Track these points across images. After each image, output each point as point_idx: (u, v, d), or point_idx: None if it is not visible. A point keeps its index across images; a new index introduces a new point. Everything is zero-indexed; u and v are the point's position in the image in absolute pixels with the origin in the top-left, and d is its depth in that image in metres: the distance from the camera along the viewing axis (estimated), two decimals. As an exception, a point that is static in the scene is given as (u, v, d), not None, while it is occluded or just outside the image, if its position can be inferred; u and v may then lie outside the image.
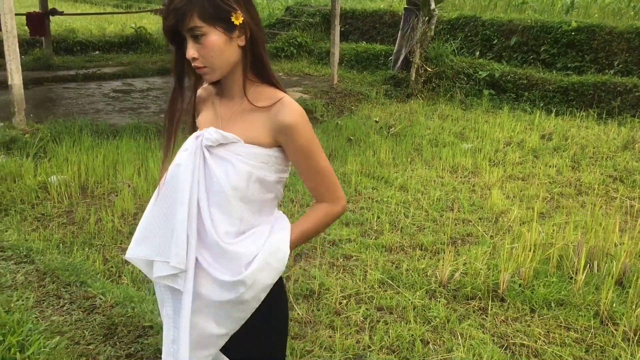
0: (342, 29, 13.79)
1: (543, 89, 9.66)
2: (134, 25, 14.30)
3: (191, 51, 1.55)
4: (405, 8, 10.89)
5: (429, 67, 10.37)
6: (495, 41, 11.35)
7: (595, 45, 10.11)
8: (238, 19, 1.53)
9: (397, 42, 11.03)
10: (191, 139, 1.66)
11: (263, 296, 1.63)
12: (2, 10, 6.11)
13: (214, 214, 1.61)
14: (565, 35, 10.37)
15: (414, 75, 10.25)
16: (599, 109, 8.99)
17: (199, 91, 1.78)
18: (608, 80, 9.23)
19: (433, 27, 10.22)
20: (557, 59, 10.49)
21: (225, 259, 1.59)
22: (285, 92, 1.65)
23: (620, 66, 9.73)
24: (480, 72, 10.23)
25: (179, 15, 1.52)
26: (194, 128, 1.75)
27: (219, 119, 1.68)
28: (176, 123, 1.70)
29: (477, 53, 11.42)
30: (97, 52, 12.97)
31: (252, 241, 1.62)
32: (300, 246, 1.66)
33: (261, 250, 1.60)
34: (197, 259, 1.62)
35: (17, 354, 2.60)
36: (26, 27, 11.00)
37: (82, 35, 13.47)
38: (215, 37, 1.53)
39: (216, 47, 1.54)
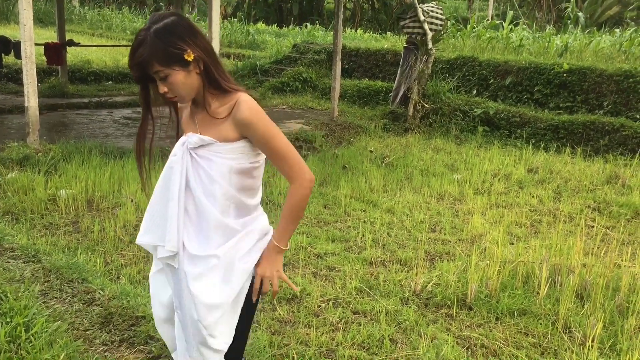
0: (346, 67, 14.33)
1: (535, 127, 10.05)
2: (146, 58, 14.89)
3: (161, 88, 1.93)
4: (404, 47, 11.40)
5: (426, 103, 10.81)
6: (492, 81, 11.80)
7: (586, 87, 10.52)
8: (190, 56, 1.89)
9: (397, 79, 11.51)
10: (178, 145, 2.07)
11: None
12: (23, 38, 6.60)
13: (208, 199, 2.02)
14: (558, 76, 10.80)
15: (411, 110, 10.69)
16: (587, 146, 9.35)
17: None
18: (597, 120, 9.61)
19: (430, 65, 10.71)
20: (550, 99, 10.91)
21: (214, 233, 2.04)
22: (242, 90, 2.01)
23: (609, 107, 10.12)
24: (475, 110, 10.66)
25: (142, 66, 1.88)
26: (179, 134, 2.15)
27: (196, 125, 2.07)
28: (150, 145, 2.10)
29: (474, 92, 11.87)
30: (110, 82, 13.54)
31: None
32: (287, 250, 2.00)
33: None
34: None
35: (23, 332, 2.93)
36: (44, 57, 11.59)
37: (97, 65, 14.07)
38: (175, 75, 1.90)
39: (179, 82, 1.91)
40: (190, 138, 2.01)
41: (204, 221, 2.02)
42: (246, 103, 1.95)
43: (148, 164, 2.14)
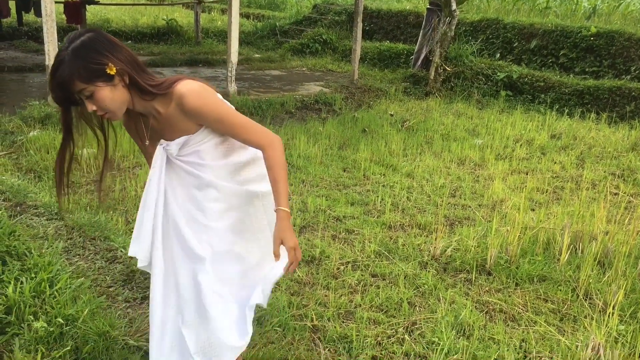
0: (367, 28, 14.09)
1: (559, 92, 9.84)
2: (165, 17, 14.80)
3: (89, 106, 1.86)
4: (427, 8, 11.15)
5: (448, 66, 10.62)
6: (516, 44, 11.54)
7: (614, 51, 10.25)
8: (112, 69, 1.82)
9: (419, 41, 11.30)
10: (156, 155, 2.06)
11: None
12: (43, -5, 6.56)
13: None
14: (585, 40, 10.53)
15: (433, 74, 10.51)
16: (613, 112, 9.15)
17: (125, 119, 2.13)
18: (623, 85, 9.37)
19: (454, 27, 10.48)
20: (576, 63, 10.66)
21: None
22: (180, 79, 1.95)
23: (637, 72, 9.86)
24: (498, 74, 10.45)
25: (64, 87, 1.81)
26: (143, 144, 2.16)
27: (157, 132, 2.06)
28: (67, 168, 2.10)
29: (498, 55, 11.63)
30: (130, 41, 13.48)
31: None
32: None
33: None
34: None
35: (47, 287, 2.98)
36: (63, 15, 11.54)
37: (116, 25, 14.00)
38: (100, 91, 1.83)
39: (106, 98, 1.85)
40: (168, 148, 2.02)
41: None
42: (188, 92, 1.90)
43: (67, 187, 2.17)
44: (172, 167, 2.09)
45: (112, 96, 1.85)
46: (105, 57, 1.82)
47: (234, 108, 2.03)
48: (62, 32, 12.15)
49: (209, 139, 2.03)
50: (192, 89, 1.90)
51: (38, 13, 10.95)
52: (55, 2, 7.29)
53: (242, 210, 2.15)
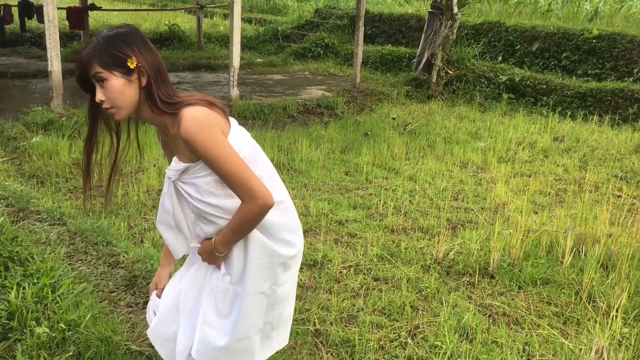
0: (369, 32, 14.10)
1: (562, 94, 9.83)
2: (168, 22, 14.83)
3: (99, 95, 1.83)
4: (429, 12, 11.16)
5: (450, 70, 10.62)
6: (518, 47, 11.53)
7: (616, 53, 10.23)
8: (132, 63, 1.80)
9: (420, 44, 11.31)
10: (166, 178, 2.03)
11: None
12: (45, 2, 6.58)
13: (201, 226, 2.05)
14: (587, 42, 10.52)
15: (435, 77, 10.51)
16: (615, 115, 9.14)
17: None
18: (626, 87, 9.36)
19: (455, 30, 10.49)
20: (578, 65, 10.65)
21: None
22: (196, 103, 1.86)
23: (639, 74, 9.84)
24: (500, 76, 10.45)
25: (84, 65, 1.80)
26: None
27: (170, 149, 2.02)
28: (92, 160, 2.05)
29: (500, 58, 11.62)
30: (132, 47, 13.51)
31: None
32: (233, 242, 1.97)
33: None
34: None
35: (49, 293, 2.98)
36: (66, 21, 11.58)
37: (119, 30, 14.03)
38: (114, 80, 1.80)
39: (117, 89, 1.81)
40: (168, 171, 1.96)
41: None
42: (189, 117, 1.81)
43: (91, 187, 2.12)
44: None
45: (123, 90, 1.81)
46: (132, 50, 1.81)
47: (234, 151, 1.86)
48: (64, 38, 12.22)
49: (207, 174, 1.90)
50: (194, 115, 1.81)
51: (40, 19, 10.99)
52: (58, 8, 7.32)
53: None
